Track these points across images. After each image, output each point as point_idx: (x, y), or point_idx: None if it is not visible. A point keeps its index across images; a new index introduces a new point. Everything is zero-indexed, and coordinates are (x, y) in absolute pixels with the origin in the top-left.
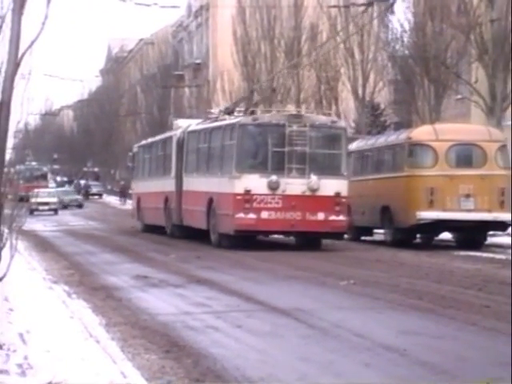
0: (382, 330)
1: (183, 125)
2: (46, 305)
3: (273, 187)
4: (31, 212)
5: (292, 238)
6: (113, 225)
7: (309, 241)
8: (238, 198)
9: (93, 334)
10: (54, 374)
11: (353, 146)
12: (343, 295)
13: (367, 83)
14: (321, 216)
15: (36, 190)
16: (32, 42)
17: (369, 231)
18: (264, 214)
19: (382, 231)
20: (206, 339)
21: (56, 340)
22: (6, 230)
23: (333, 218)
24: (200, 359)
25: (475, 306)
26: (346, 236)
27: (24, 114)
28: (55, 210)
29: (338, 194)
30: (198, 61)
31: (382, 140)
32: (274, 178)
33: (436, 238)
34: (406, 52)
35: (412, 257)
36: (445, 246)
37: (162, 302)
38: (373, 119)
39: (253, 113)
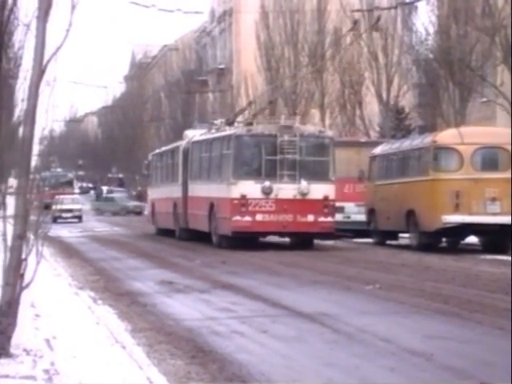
0: (408, 334)
1: (191, 135)
2: (71, 311)
3: (266, 192)
4: (54, 220)
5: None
6: (137, 231)
7: (302, 241)
8: (235, 202)
9: (119, 339)
10: (80, 380)
11: (377, 150)
12: (368, 300)
13: (391, 87)
14: (310, 218)
15: (59, 197)
16: (57, 49)
17: (394, 235)
18: (259, 217)
19: (407, 235)
20: (231, 344)
21: (82, 346)
22: (32, 237)
23: (322, 219)
24: (225, 365)
25: (501, 310)
26: (372, 239)
27: (49, 120)
28: (79, 218)
29: (326, 198)
30: (221, 66)
31: (406, 144)
32: (267, 183)
33: (462, 242)
34: (431, 55)
35: (438, 261)
36: (471, 250)
37: (187, 308)
38: (397, 123)
39: (251, 124)
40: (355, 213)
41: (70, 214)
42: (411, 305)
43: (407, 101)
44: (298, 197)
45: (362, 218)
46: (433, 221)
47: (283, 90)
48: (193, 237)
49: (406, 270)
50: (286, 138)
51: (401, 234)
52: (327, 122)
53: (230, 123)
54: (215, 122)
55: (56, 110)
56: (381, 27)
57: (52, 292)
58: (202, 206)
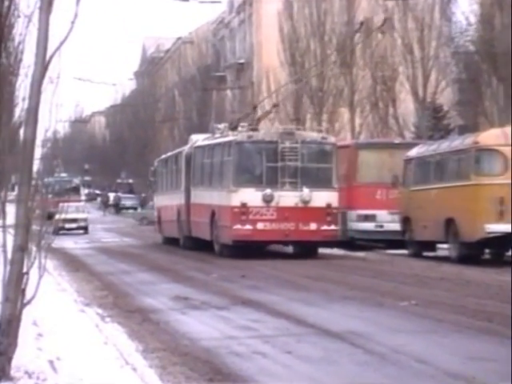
0: (447, 355)
1: (195, 140)
2: (77, 329)
3: (267, 200)
4: (55, 231)
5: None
6: (149, 241)
7: (306, 249)
8: (235, 210)
9: (129, 361)
10: None
11: (413, 152)
12: (403, 317)
13: (428, 83)
14: (313, 226)
15: (61, 205)
16: (61, 43)
17: (431, 246)
18: (260, 225)
19: (446, 246)
20: (252, 366)
21: (89, 368)
22: (34, 248)
23: (324, 227)
24: None
25: None
26: (407, 251)
27: (53, 121)
28: (85, 229)
29: (329, 206)
30: (241, 60)
31: (445, 145)
32: (268, 191)
33: (506, 254)
34: (472, 47)
35: (480, 274)
36: None
37: (204, 326)
38: (435, 122)
39: (255, 129)
40: (388, 221)
41: (74, 225)
42: (451, 323)
43: (446, 98)
44: (300, 205)
45: (396, 227)
46: (474, 230)
47: (308, 86)
48: (196, 246)
49: (444, 284)
50: (287, 144)
51: (439, 245)
52: (357, 121)
53: (234, 128)
54: (219, 126)
55: (60, 109)
56: (387, 30)
57: (56, 309)
58: (203, 214)
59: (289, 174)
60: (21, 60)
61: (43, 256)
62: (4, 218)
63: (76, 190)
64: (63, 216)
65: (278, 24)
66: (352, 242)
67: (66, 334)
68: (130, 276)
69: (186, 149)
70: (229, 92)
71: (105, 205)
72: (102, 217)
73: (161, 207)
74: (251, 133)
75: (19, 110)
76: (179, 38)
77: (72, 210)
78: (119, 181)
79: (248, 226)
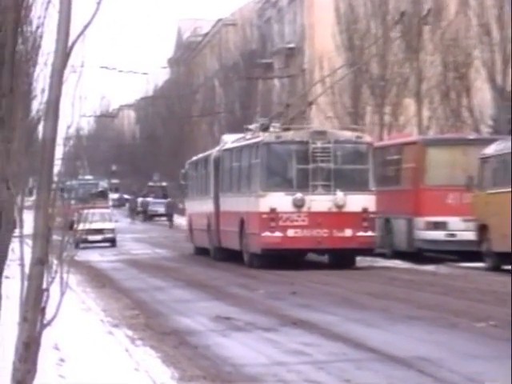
0: None
1: (227, 140)
2: (104, 354)
3: (298, 205)
4: (76, 244)
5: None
6: (185, 253)
7: (342, 258)
8: (264, 216)
9: None
10: None
11: (490, 149)
12: (480, 341)
13: (508, 69)
14: (348, 232)
15: (83, 212)
16: (85, 27)
17: None
18: (290, 232)
19: None
20: None
21: None
22: (55, 262)
23: (361, 233)
24: None
25: None
26: (484, 264)
27: (75, 116)
28: (112, 241)
29: (365, 210)
30: (290, 45)
31: None
32: (299, 195)
33: None
34: None
35: None
36: None
37: (249, 350)
38: None
39: (288, 129)
40: (462, 230)
41: (99, 237)
42: None
43: None
44: (334, 209)
45: (471, 236)
46: None
47: (368, 74)
48: (227, 257)
49: None
50: (318, 144)
51: None
52: (425, 114)
53: (265, 128)
54: (250, 126)
55: (84, 102)
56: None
57: (80, 330)
58: (232, 222)
59: (321, 177)
60: (39, 46)
61: (65, 270)
62: (21, 227)
63: (103, 194)
64: (88, 226)
65: (334, 3)
66: (419, 254)
67: (91, 360)
68: (163, 293)
69: (214, 151)
70: (276, 81)
71: (133, 211)
72: (131, 225)
73: (192, 214)
74: (280, 133)
75: (37, 103)
76: (220, 20)
77: (96, 218)
78: (151, 184)
79: (278, 234)
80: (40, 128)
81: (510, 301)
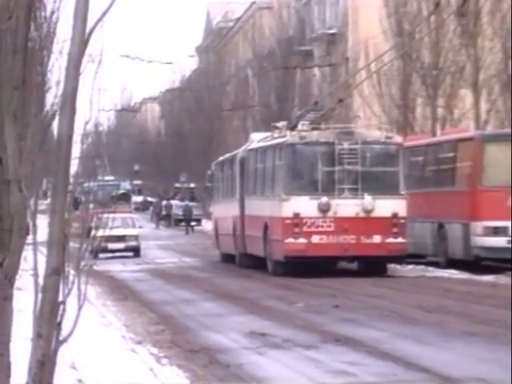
0: None
1: (255, 139)
2: (126, 373)
3: (323, 209)
4: (95, 254)
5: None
6: (215, 261)
7: (372, 266)
8: (287, 222)
9: None
10: None
11: None
12: None
13: None
14: (377, 239)
15: (102, 217)
16: (104, 13)
17: None
18: (315, 239)
19: None
20: None
21: None
22: (72, 272)
23: (390, 240)
24: None
25: None
26: None
27: (94, 110)
28: (135, 250)
29: (395, 215)
30: (332, 31)
31: None
32: (324, 199)
33: None
34: None
35: None
36: None
37: (287, 370)
38: None
39: (317, 129)
40: None
41: (121, 245)
42: None
43: None
44: (362, 214)
45: None
46: None
47: (419, 62)
48: (253, 263)
49: None
50: (345, 145)
51: None
52: (483, 106)
53: (293, 127)
54: (278, 124)
55: (103, 95)
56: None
57: (99, 348)
58: (256, 227)
59: (348, 180)
60: (54, 34)
61: (83, 281)
62: (34, 233)
63: (125, 197)
64: (105, 232)
65: None
66: (477, 263)
67: (111, 380)
68: (192, 306)
69: (240, 151)
70: (317, 70)
71: (158, 216)
72: (155, 231)
73: (218, 218)
74: (304, 133)
75: (52, 96)
76: (253, 3)
77: (118, 223)
78: (178, 185)
79: (302, 240)
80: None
81: (511, 302)
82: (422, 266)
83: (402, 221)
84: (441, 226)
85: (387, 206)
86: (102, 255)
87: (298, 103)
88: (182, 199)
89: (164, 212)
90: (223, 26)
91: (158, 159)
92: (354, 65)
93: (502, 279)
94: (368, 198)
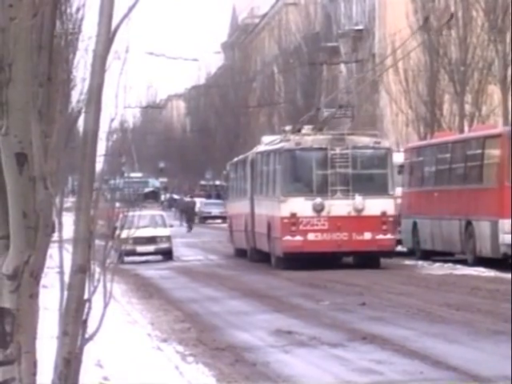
0: None
1: (266, 141)
2: (152, 371)
3: (318, 209)
4: (120, 258)
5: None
6: (242, 259)
7: (366, 260)
8: (285, 221)
9: None
10: None
11: None
12: None
13: None
14: (367, 236)
15: (128, 215)
16: (130, 9)
17: None
18: (310, 236)
19: None
20: None
21: None
22: (98, 269)
23: (380, 237)
24: None
25: None
26: None
27: (120, 107)
28: (167, 253)
29: (384, 214)
30: (358, 27)
31: None
32: (318, 200)
33: None
34: None
35: None
36: None
37: (314, 368)
38: None
39: (319, 132)
40: None
41: (151, 247)
42: None
43: None
44: (353, 213)
45: None
46: None
47: (447, 58)
48: (261, 258)
49: None
50: (337, 150)
51: None
52: (511, 102)
53: (297, 131)
54: (286, 128)
55: (129, 92)
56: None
57: (125, 346)
58: (263, 225)
59: (340, 182)
60: (80, 30)
61: (109, 279)
62: (60, 231)
63: (154, 195)
64: (132, 233)
65: None
66: (505, 260)
67: (137, 378)
68: (217, 304)
69: (251, 153)
70: (343, 67)
71: (182, 213)
72: (180, 228)
73: (232, 216)
74: (299, 139)
75: (77, 93)
76: None
77: (146, 222)
78: (203, 183)
79: (298, 237)
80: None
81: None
82: (449, 264)
83: (391, 219)
84: (469, 224)
85: (376, 206)
86: (128, 258)
87: (325, 100)
88: (208, 196)
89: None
90: (249, 23)
91: (183, 156)
92: (382, 61)
93: None
94: (359, 199)
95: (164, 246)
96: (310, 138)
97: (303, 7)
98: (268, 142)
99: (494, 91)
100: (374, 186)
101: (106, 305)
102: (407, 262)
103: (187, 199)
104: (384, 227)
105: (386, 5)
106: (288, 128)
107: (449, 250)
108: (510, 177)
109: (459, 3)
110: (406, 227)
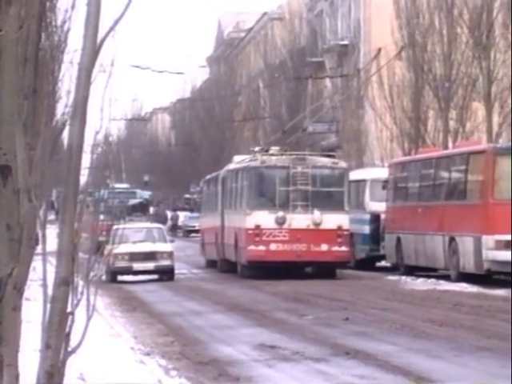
0: None
1: (237, 160)
2: None
3: (280, 222)
4: (113, 277)
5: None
6: (226, 273)
7: (324, 270)
8: (250, 232)
9: None
10: None
11: None
12: None
13: None
14: (324, 247)
15: (120, 228)
16: (116, 22)
17: None
18: (272, 246)
19: None
20: None
21: None
22: (81, 282)
23: (336, 248)
24: None
25: None
26: None
27: (105, 120)
28: (169, 272)
29: (340, 227)
30: (344, 42)
31: None
32: (280, 213)
33: None
34: None
35: None
36: None
37: (297, 382)
38: None
39: (284, 153)
40: None
41: (150, 265)
42: None
43: None
44: (312, 226)
45: None
46: None
47: (432, 74)
48: (230, 268)
49: None
50: (298, 169)
51: None
52: (495, 119)
53: (265, 151)
54: (255, 149)
55: (114, 105)
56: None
57: (108, 359)
58: (231, 236)
59: (300, 198)
60: (65, 43)
61: (92, 292)
62: (44, 243)
63: (143, 207)
64: (127, 248)
65: None
66: (488, 277)
67: None
68: (201, 318)
69: (221, 171)
70: (328, 82)
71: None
72: None
73: (204, 229)
74: (265, 158)
75: (62, 106)
76: (265, 14)
77: (141, 237)
78: (187, 196)
79: (261, 247)
80: (65, 133)
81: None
82: (433, 280)
83: (346, 232)
84: (452, 239)
85: (333, 220)
86: (121, 277)
87: (310, 114)
88: (192, 210)
89: (170, 223)
90: (235, 37)
91: (168, 170)
92: (366, 76)
93: None
94: (317, 213)
95: (165, 263)
96: (274, 157)
97: (288, 22)
98: (238, 161)
99: (479, 108)
100: (331, 202)
101: (89, 318)
102: (391, 277)
103: (189, 213)
104: (339, 240)
105: (370, 20)
106: (257, 148)
107: (432, 265)
108: (493, 193)
109: (444, 19)
110: (389, 242)
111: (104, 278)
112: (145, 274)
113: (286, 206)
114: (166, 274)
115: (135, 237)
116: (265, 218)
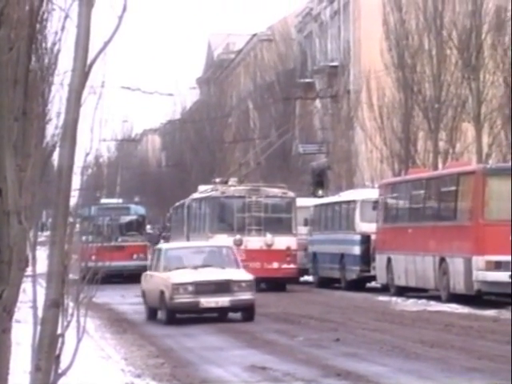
0: None
1: (201, 190)
2: None
3: (237, 243)
4: (171, 317)
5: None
6: None
7: (275, 285)
8: None
9: None
10: None
11: None
12: None
13: None
14: (275, 265)
15: (176, 247)
16: (105, 44)
17: None
18: None
19: None
20: None
21: None
22: (71, 304)
23: (285, 266)
24: None
25: None
26: None
27: (95, 141)
28: (249, 309)
29: (288, 248)
30: (333, 63)
31: None
32: (238, 236)
33: None
34: None
35: None
36: None
37: None
38: None
39: (241, 183)
40: None
41: (225, 299)
42: None
43: None
44: (264, 247)
45: None
46: None
47: (421, 96)
48: None
49: None
50: (253, 198)
51: None
52: (485, 140)
53: (225, 182)
54: (216, 180)
55: (104, 126)
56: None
57: (98, 381)
58: None
59: (255, 223)
60: (55, 65)
61: (82, 314)
62: (34, 265)
63: (138, 225)
64: (189, 276)
65: (383, 16)
66: (479, 297)
67: None
68: (192, 339)
69: (187, 200)
70: (318, 103)
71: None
72: None
73: None
74: (224, 189)
75: (53, 127)
76: (254, 35)
77: (205, 260)
78: None
79: None
80: (55, 155)
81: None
82: (423, 300)
83: (294, 252)
84: (442, 260)
85: (282, 242)
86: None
87: (300, 136)
88: None
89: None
90: (224, 58)
91: (158, 191)
92: (356, 97)
93: (504, 314)
94: (269, 236)
95: (244, 297)
96: (232, 188)
97: (278, 43)
98: (202, 191)
99: (468, 128)
100: (281, 226)
101: (79, 340)
102: (381, 297)
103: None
104: (288, 259)
105: (360, 42)
106: (218, 180)
107: (423, 286)
108: (483, 214)
109: (433, 41)
110: (380, 263)
111: (159, 316)
112: (216, 311)
113: (242, 230)
114: (245, 312)
115: (195, 259)
116: (224, 241)
